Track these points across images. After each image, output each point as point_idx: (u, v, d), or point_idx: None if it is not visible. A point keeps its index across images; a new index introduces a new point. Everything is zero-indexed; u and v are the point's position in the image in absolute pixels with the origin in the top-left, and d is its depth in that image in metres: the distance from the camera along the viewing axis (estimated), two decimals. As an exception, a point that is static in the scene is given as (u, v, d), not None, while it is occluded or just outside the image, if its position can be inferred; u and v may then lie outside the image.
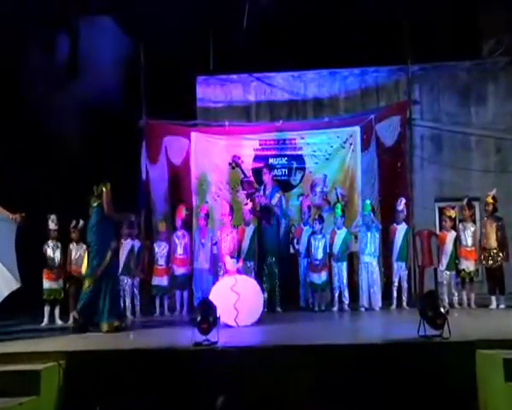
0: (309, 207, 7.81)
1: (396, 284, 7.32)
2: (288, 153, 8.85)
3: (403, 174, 8.13)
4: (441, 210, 8.17)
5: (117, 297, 5.94)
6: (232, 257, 6.49)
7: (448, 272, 7.19)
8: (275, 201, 7.78)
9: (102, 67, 7.69)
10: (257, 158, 8.88)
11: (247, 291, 5.99)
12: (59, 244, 6.98)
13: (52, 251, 6.90)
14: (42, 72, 7.82)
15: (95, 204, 5.88)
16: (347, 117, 8.84)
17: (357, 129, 8.61)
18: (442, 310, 4.52)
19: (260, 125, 9.05)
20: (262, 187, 8.02)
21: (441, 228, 7.73)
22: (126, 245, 7.36)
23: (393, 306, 7.25)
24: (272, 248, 7.47)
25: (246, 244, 7.42)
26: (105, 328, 5.66)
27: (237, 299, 5.85)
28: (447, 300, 6.96)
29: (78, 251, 7.12)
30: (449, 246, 7.21)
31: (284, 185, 8.58)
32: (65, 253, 7.04)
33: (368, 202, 7.47)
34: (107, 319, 5.68)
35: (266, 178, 7.87)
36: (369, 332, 5.61)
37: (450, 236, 7.26)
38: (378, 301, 7.25)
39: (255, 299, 6.07)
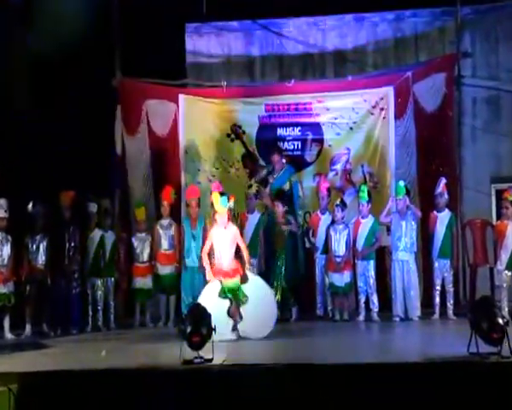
0: (328, 191, 7.80)
1: (439, 287, 7.32)
2: (302, 121, 8.82)
3: (448, 148, 8.12)
4: (499, 193, 8.10)
5: None
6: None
7: (509, 273, 7.13)
8: (287, 187, 7.75)
9: (63, 9, 7.59)
10: (263, 128, 8.85)
11: (253, 296, 5.99)
12: (9, 237, 6.95)
13: (-3, 246, 6.90)
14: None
15: None
16: (377, 75, 8.79)
17: (389, 90, 8.55)
18: (500, 321, 4.46)
19: (267, 86, 9.01)
20: (270, 168, 8.01)
21: (499, 216, 7.63)
22: (93, 237, 7.35)
23: (436, 315, 7.27)
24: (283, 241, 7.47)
25: (248, 236, 7.41)
26: None
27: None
28: (507, 308, 6.93)
29: (35, 244, 7.08)
30: (510, 239, 7.14)
31: (297, 163, 8.56)
32: (18, 247, 7.01)
33: (401, 183, 7.43)
34: None
35: (276, 160, 7.86)
36: (405, 348, 5.59)
37: (512, 226, 7.24)
38: (416, 310, 7.23)
39: (264, 305, 6.04)
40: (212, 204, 6.38)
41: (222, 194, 6.23)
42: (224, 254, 6.07)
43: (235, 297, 5.96)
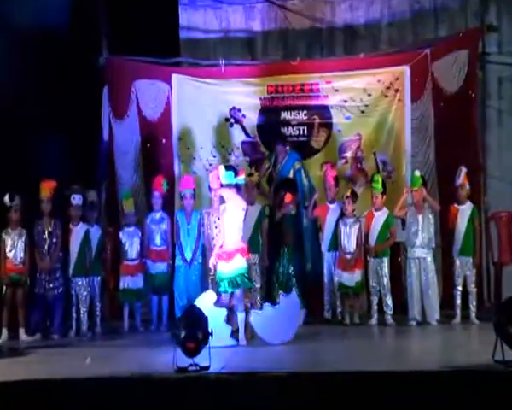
0: (336, 180, 7.79)
1: (460, 287, 7.31)
2: (309, 104, 8.80)
3: (471, 133, 8.06)
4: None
5: None
6: None
7: (538, 272, 7.22)
8: (291, 175, 7.78)
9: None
10: (265, 111, 8.82)
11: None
12: None
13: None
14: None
15: None
16: (392, 53, 8.74)
17: (405, 70, 8.51)
18: (529, 325, 4.46)
19: (269, 65, 8.97)
20: (273, 156, 8.02)
21: (528, 209, 7.73)
22: (78, 232, 7.35)
23: (457, 319, 7.25)
24: (293, 234, 7.51)
25: (248, 229, 7.31)
26: None
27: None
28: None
29: (12, 240, 7.06)
30: (539, 234, 7.23)
31: (303, 150, 8.55)
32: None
33: (417, 173, 7.42)
34: None
35: (279, 150, 7.87)
36: (423, 356, 5.60)
37: (542, 220, 7.30)
38: (435, 312, 7.23)
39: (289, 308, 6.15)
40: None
41: (228, 168, 6.29)
42: (229, 232, 6.11)
43: (237, 284, 6.00)
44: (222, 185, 6.23)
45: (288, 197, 7.49)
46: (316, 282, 7.75)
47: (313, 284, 7.76)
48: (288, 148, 8.02)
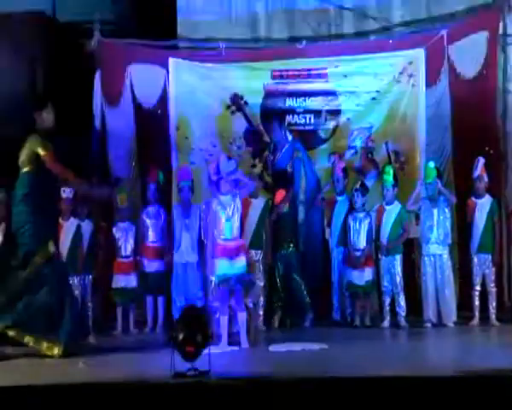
0: (344, 172, 7.81)
1: (478, 287, 7.32)
2: (316, 90, 8.80)
3: (491, 121, 8.03)
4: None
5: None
6: None
7: None
8: (290, 165, 7.81)
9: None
10: (269, 98, 8.82)
11: None
12: None
13: None
14: None
15: (25, 169, 5.90)
16: (405, 35, 8.72)
17: (420, 53, 8.50)
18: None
19: (274, 49, 8.96)
20: (272, 147, 8.06)
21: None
22: (69, 227, 7.32)
23: (475, 320, 7.26)
24: (291, 232, 7.48)
25: (251, 224, 7.37)
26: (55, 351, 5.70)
27: None
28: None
29: None
30: None
31: (309, 139, 8.56)
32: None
33: (432, 164, 7.42)
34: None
35: (279, 138, 7.92)
36: (438, 360, 5.59)
37: None
38: (451, 314, 7.25)
39: None
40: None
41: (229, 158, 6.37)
42: (231, 227, 6.11)
43: (244, 282, 6.05)
44: (221, 176, 6.20)
45: (279, 196, 7.48)
46: (321, 281, 7.76)
47: (319, 284, 7.76)
48: (289, 135, 7.97)
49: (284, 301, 7.48)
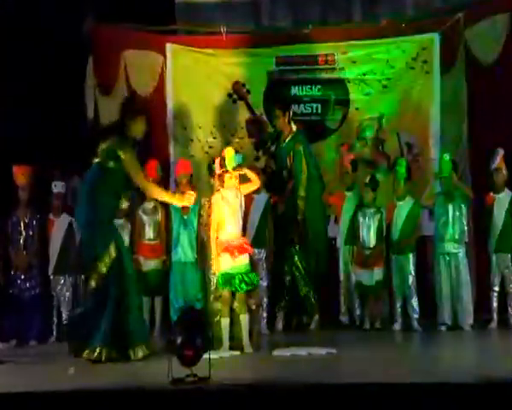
0: (354, 165, 7.82)
1: (497, 288, 7.35)
2: (323, 77, 8.84)
3: (510, 110, 7.97)
4: None
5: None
6: None
7: None
8: (290, 158, 7.72)
9: None
10: (273, 86, 8.85)
11: None
12: None
13: None
14: None
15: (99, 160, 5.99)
16: (419, 18, 8.72)
17: (434, 37, 8.51)
18: None
19: (278, 33, 8.97)
20: (274, 135, 8.05)
21: None
22: (61, 224, 7.33)
23: (493, 323, 7.27)
24: (291, 229, 7.53)
25: (253, 222, 7.38)
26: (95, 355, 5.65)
27: None
28: None
29: None
30: None
31: (316, 130, 8.59)
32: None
33: (447, 156, 7.40)
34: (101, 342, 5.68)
35: (281, 122, 7.84)
36: (454, 366, 5.54)
37: None
38: (468, 316, 7.24)
39: None
40: (210, 170, 6.61)
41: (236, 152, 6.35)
42: (234, 224, 6.10)
43: (250, 282, 6.03)
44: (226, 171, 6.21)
45: (273, 199, 7.55)
46: (327, 281, 7.76)
47: (324, 284, 7.76)
48: (293, 126, 7.96)
49: (288, 301, 7.49)
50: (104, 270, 5.68)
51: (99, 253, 5.74)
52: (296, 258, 7.49)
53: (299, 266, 7.49)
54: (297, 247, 7.50)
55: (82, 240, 6.27)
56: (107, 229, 5.87)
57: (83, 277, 7.49)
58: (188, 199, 6.09)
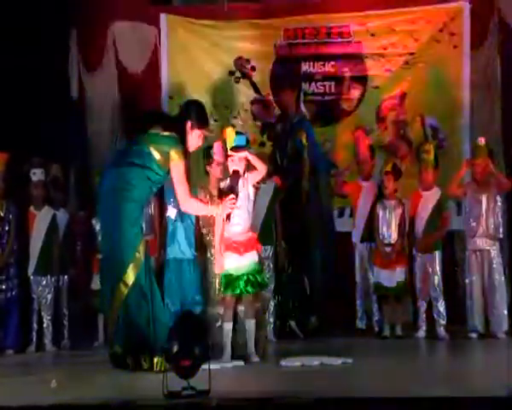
0: (372, 151, 7.87)
1: None
2: (337, 52, 8.89)
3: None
4: None
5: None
6: None
7: None
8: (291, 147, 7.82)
9: None
10: (280, 62, 8.91)
11: None
12: None
13: None
14: None
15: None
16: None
17: (463, 6, 8.51)
18: None
19: (285, 3, 9.00)
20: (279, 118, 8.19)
21: None
22: (43, 217, 7.33)
23: (530, 330, 7.35)
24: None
25: (260, 213, 7.34)
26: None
27: None
28: None
29: None
30: None
31: (329, 111, 8.66)
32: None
33: (481, 141, 7.39)
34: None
35: (290, 103, 7.92)
36: (487, 378, 5.52)
37: None
38: (502, 322, 7.27)
39: None
40: (207, 154, 6.52)
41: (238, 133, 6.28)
42: (240, 215, 6.03)
43: (257, 284, 6.01)
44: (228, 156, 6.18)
45: None
46: (340, 283, 7.85)
47: (336, 286, 7.84)
48: (303, 108, 7.96)
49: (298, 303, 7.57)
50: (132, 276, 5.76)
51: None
52: (309, 254, 7.62)
53: (301, 264, 7.64)
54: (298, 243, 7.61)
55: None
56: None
57: (66, 277, 7.54)
58: (230, 205, 5.90)
